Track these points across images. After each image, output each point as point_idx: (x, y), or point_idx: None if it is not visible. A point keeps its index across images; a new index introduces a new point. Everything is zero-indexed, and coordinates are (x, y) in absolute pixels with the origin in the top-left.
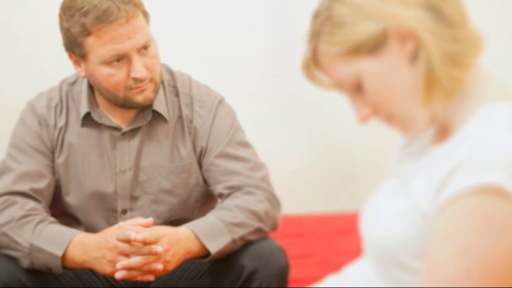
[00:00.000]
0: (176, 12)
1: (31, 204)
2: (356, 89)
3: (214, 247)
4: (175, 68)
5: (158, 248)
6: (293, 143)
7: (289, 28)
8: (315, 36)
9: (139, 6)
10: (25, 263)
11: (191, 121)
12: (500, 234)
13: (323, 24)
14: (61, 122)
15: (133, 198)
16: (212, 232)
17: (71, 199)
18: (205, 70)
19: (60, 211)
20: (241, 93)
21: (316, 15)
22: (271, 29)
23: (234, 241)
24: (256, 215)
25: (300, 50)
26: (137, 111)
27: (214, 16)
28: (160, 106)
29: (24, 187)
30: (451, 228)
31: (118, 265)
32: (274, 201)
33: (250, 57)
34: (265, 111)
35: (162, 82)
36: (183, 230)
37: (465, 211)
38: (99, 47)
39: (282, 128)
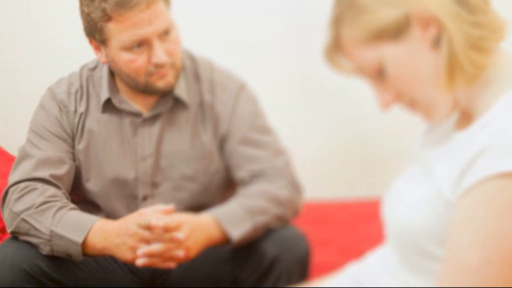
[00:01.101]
0: None
1: (51, 190)
2: (378, 74)
3: (236, 234)
4: (194, 53)
5: (179, 235)
6: (313, 129)
7: (308, 13)
8: (337, 21)
9: None
10: (45, 249)
11: (213, 107)
12: None
13: (345, 9)
14: (81, 108)
15: (154, 185)
16: (233, 219)
17: (92, 185)
18: (224, 55)
19: (81, 197)
20: (260, 79)
21: (338, 0)
22: (290, 14)
23: (255, 228)
24: (277, 201)
25: (319, 35)
26: (158, 97)
27: (234, 1)
28: (181, 91)
29: (44, 173)
30: (472, 215)
31: (139, 252)
32: (295, 187)
33: (269, 43)
34: (285, 97)
35: (183, 67)
36: (205, 217)
37: (486, 198)
38: (119, 32)
39: (302, 113)
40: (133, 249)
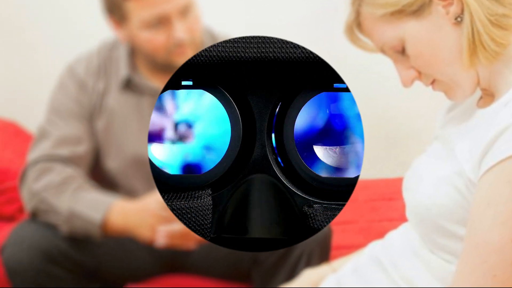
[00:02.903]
0: None
1: (70, 169)
2: (400, 52)
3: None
4: (214, 31)
5: None
6: None
7: None
8: None
9: None
10: (63, 230)
11: None
12: None
13: None
14: (100, 87)
15: None
16: None
17: (111, 165)
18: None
19: (100, 177)
20: None
21: None
22: None
23: None
24: None
25: (342, 14)
26: None
27: None
28: None
29: (62, 152)
30: (494, 195)
31: (159, 232)
32: None
33: (288, 24)
34: None
35: (203, 45)
36: None
37: (508, 177)
38: (139, 10)
39: None
40: (153, 229)
